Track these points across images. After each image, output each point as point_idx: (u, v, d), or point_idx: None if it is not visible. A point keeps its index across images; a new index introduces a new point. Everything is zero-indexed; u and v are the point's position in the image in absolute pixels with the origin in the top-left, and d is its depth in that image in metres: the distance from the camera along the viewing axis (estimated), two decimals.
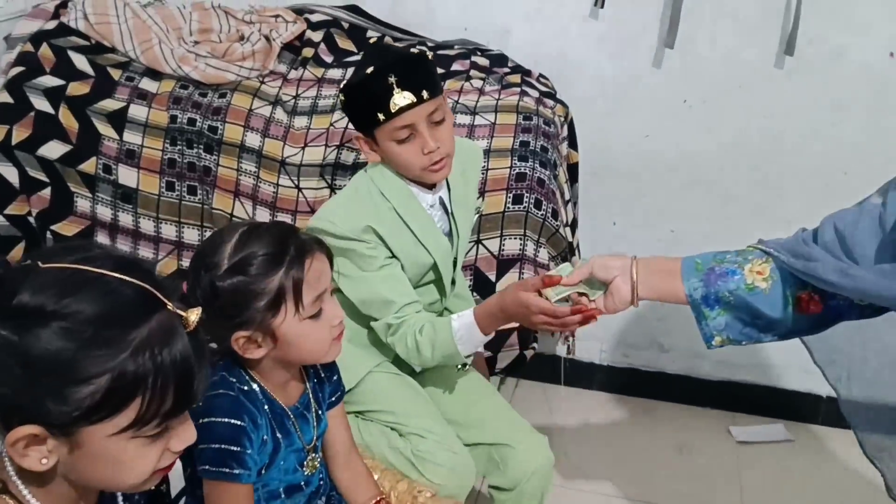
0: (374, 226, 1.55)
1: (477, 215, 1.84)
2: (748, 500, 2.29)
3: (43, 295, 0.78)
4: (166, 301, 0.83)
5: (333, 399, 1.39)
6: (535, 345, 2.02)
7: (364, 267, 1.56)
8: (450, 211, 1.69)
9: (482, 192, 1.98)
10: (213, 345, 1.22)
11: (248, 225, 1.22)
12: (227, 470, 1.17)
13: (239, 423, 1.18)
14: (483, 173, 1.94)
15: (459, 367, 1.68)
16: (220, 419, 1.18)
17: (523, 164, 2.04)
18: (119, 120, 2.16)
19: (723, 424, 2.60)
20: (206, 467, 1.18)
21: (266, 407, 1.24)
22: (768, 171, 2.39)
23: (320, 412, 1.34)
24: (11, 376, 0.77)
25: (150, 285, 0.82)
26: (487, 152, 2.05)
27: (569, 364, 2.67)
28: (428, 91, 1.51)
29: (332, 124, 2.11)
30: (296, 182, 2.08)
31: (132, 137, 2.16)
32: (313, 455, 1.31)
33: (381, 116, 1.50)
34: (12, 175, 2.18)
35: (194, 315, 0.83)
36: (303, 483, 1.31)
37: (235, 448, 1.17)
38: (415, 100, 1.50)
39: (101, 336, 0.78)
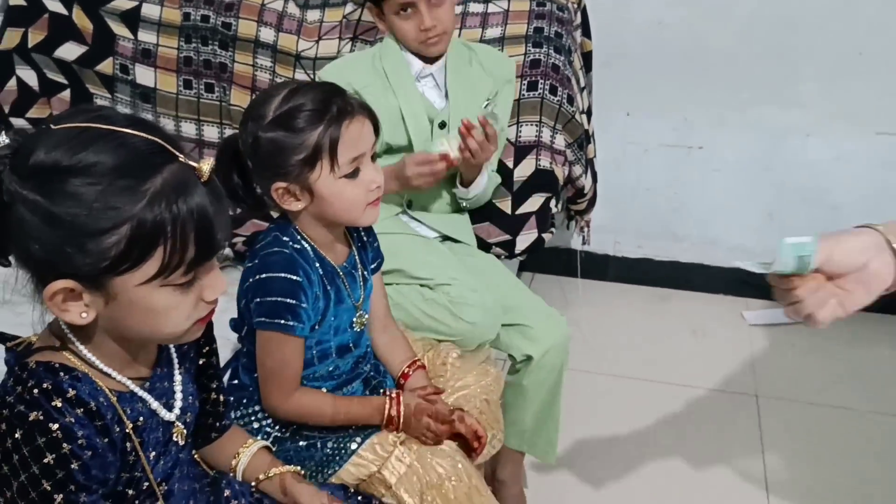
0: (354, 84, 1.67)
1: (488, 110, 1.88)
2: (761, 380, 2.37)
3: (57, 152, 0.81)
4: (177, 153, 0.85)
5: (374, 265, 1.44)
6: (553, 229, 2.06)
7: None
8: (444, 89, 1.79)
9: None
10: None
11: (298, 83, 1.26)
12: (283, 321, 1.24)
13: (295, 277, 1.24)
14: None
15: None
16: (276, 274, 1.23)
17: (537, 50, 2.04)
18: (132, 19, 2.16)
19: (736, 309, 2.66)
20: (263, 319, 1.25)
21: (318, 264, 1.29)
22: (783, 53, 2.38)
23: (366, 273, 1.39)
24: (39, 234, 0.81)
25: (160, 139, 0.85)
26: (502, 39, 2.05)
27: (584, 256, 2.73)
28: None
29: (344, 17, 2.10)
30: (312, 76, 2.09)
31: (147, 36, 2.17)
32: (361, 312, 1.37)
33: None
34: (31, 78, 2.20)
35: (207, 165, 0.86)
36: (352, 344, 1.37)
37: (292, 301, 1.23)
38: None
39: (116, 186, 0.81)
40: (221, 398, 1.15)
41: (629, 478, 2.02)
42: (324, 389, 1.35)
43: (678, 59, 2.45)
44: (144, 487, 0.97)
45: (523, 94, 2.03)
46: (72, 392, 0.87)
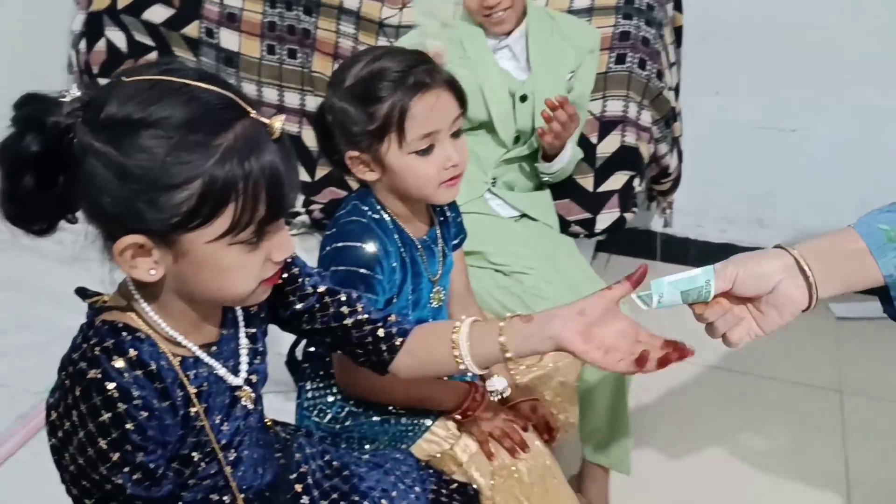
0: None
1: (569, 93, 1.82)
2: (846, 374, 2.26)
3: (130, 104, 0.79)
4: (249, 108, 0.83)
5: (457, 241, 1.40)
6: (635, 209, 1.99)
7: None
8: (525, 61, 1.74)
9: None
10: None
11: (385, 49, 1.23)
12: (356, 293, 1.21)
13: (370, 247, 1.21)
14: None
15: None
16: (352, 243, 1.21)
17: (627, 22, 1.97)
18: None
19: (823, 301, 2.54)
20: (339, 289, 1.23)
21: (396, 236, 1.26)
22: (889, 33, 2.25)
23: (446, 249, 1.36)
24: (110, 187, 0.80)
25: (232, 94, 0.83)
26: (590, 10, 1.99)
27: (664, 238, 2.65)
28: None
29: None
30: (394, 43, 2.06)
31: (233, 1, 2.17)
32: (439, 288, 1.34)
33: None
34: (120, 40, 2.23)
35: (278, 122, 0.83)
36: (430, 319, 1.34)
37: (366, 271, 1.20)
38: None
39: (188, 141, 0.79)
40: (369, 315, 1.07)
41: (702, 468, 1.96)
42: None
43: (774, 36, 2.33)
44: (209, 450, 0.96)
45: (610, 67, 1.96)
46: (133, 352, 0.86)
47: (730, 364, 2.28)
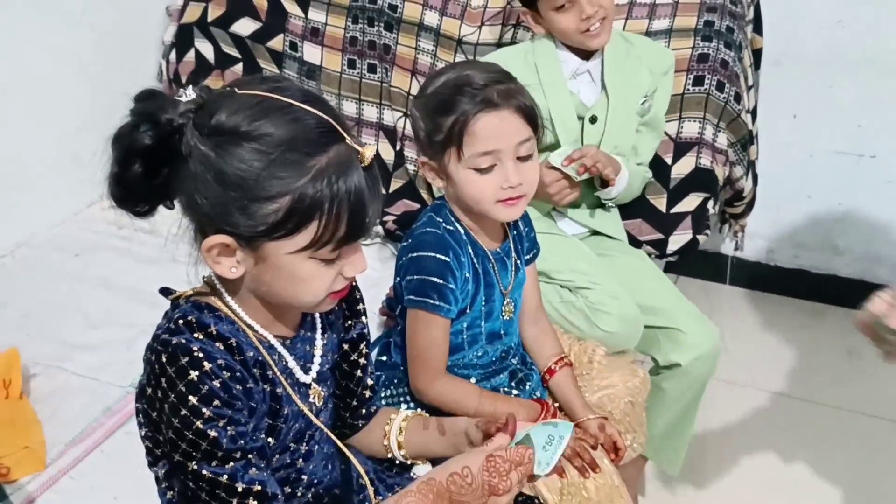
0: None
1: (643, 116, 1.82)
2: None
3: (238, 116, 0.85)
4: (346, 134, 0.88)
5: (529, 256, 1.42)
6: (707, 231, 1.99)
7: None
8: (602, 82, 1.75)
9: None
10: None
11: (472, 65, 1.27)
12: (430, 300, 1.25)
13: (444, 257, 1.25)
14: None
15: None
16: (426, 253, 1.25)
17: (707, 44, 1.97)
18: None
19: None
20: (411, 297, 1.27)
21: (469, 248, 1.30)
22: None
23: (519, 262, 1.38)
24: (208, 189, 0.86)
25: (332, 119, 0.88)
26: (668, 32, 1.99)
27: (735, 262, 2.62)
28: None
29: (509, 3, 2.10)
30: (489, 56, 2.09)
31: (317, 15, 2.24)
32: (510, 300, 1.36)
33: None
34: (208, 51, 2.32)
35: (370, 151, 0.88)
36: (502, 332, 1.37)
37: (439, 280, 1.24)
38: None
39: (285, 158, 0.85)
40: (370, 381, 1.15)
41: (756, 501, 1.92)
42: (472, 380, 1.35)
43: (856, 61, 2.30)
44: (282, 438, 1.00)
45: (688, 89, 1.96)
46: (213, 327, 0.91)
47: (795, 391, 2.25)
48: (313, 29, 2.25)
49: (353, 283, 1.10)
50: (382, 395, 1.38)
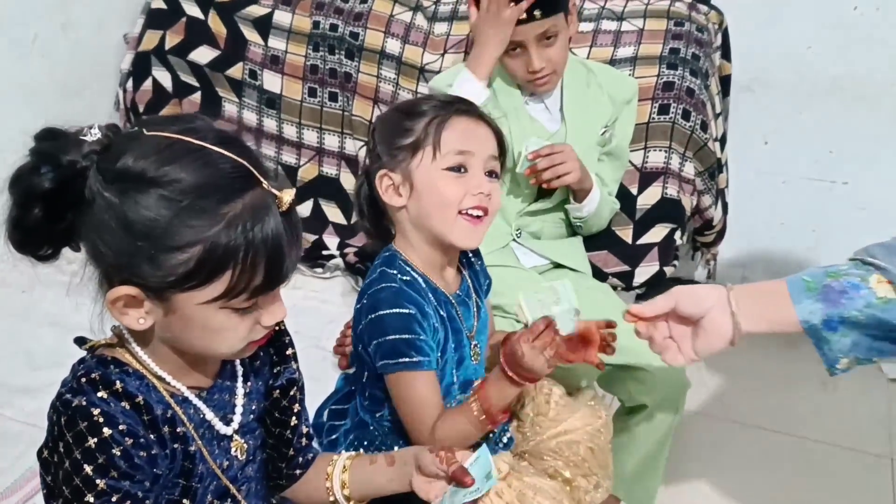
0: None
1: (604, 146, 1.79)
2: None
3: (145, 160, 0.80)
4: (262, 178, 0.83)
5: (485, 288, 1.37)
6: (675, 262, 1.94)
7: None
8: (559, 112, 1.72)
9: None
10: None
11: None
12: (407, 359, 1.16)
13: (406, 311, 1.17)
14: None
15: None
16: (386, 311, 1.17)
17: (672, 72, 1.93)
18: (264, 25, 2.19)
19: (750, 335, 2.42)
20: (386, 362, 1.18)
21: (431, 296, 1.23)
22: None
23: (480, 302, 1.32)
24: (113, 237, 0.81)
25: (247, 162, 0.83)
26: (633, 59, 1.95)
27: None
28: (542, 10, 1.56)
29: (471, 31, 2.06)
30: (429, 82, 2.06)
31: (277, 43, 2.19)
32: (475, 342, 1.29)
33: None
34: (166, 79, 2.27)
35: (288, 196, 0.83)
36: (475, 378, 1.29)
37: (408, 336, 1.16)
38: (525, 17, 1.56)
39: (196, 206, 0.80)
40: (304, 428, 1.09)
41: None
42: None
43: (827, 86, 2.27)
44: (199, 498, 0.95)
45: (653, 118, 1.92)
46: (119, 384, 0.87)
47: (770, 423, 2.19)
48: (273, 56, 2.20)
49: (282, 328, 1.05)
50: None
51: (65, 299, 1.93)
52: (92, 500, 0.83)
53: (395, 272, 1.22)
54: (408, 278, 1.22)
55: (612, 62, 1.95)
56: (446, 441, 1.16)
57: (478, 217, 1.20)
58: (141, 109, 2.28)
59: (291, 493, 1.12)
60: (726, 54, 2.14)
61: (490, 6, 1.59)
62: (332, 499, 1.09)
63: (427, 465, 1.01)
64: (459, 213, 1.19)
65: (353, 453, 1.13)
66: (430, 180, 1.18)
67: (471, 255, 1.35)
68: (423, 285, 1.23)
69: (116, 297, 0.83)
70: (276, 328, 1.03)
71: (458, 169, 1.18)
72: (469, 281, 1.32)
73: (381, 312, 1.17)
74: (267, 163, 0.89)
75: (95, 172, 0.81)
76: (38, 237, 0.84)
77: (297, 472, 1.10)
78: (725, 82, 2.15)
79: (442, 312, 1.23)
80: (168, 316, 0.85)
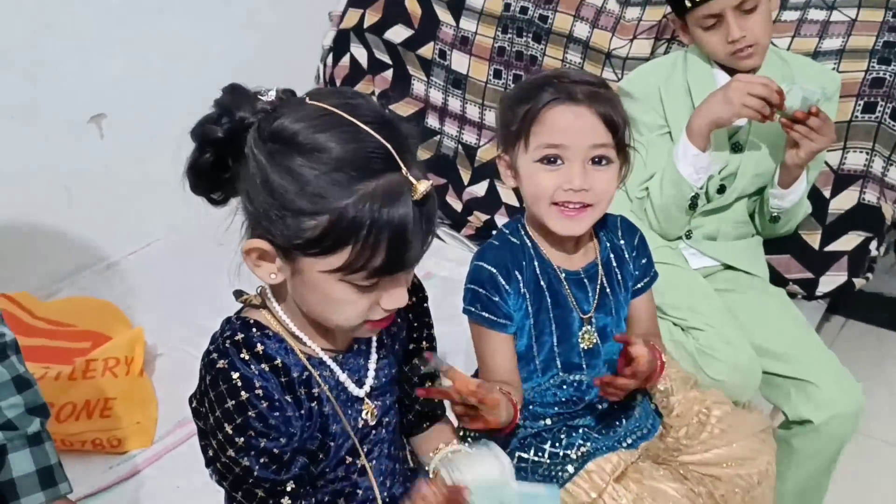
0: (662, 90, 1.61)
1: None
2: None
3: (298, 125, 0.84)
4: (402, 164, 0.84)
5: (640, 286, 1.29)
6: (868, 274, 1.77)
7: (639, 130, 1.59)
8: None
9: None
10: None
11: (575, 69, 1.25)
12: (476, 311, 1.19)
13: (492, 269, 1.18)
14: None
15: (690, 205, 1.56)
16: (479, 263, 1.20)
17: (884, 67, 1.76)
18: (458, 6, 2.24)
19: None
20: (465, 305, 1.22)
21: (535, 262, 1.21)
22: None
23: (614, 289, 1.26)
24: (255, 193, 0.86)
25: (392, 146, 0.84)
26: (839, 52, 1.80)
27: None
28: None
29: (665, 16, 1.98)
30: (619, 75, 2.01)
31: (468, 24, 2.23)
32: (589, 328, 1.23)
33: (687, 3, 1.52)
34: (362, 56, 2.38)
35: (423, 186, 0.84)
36: (583, 364, 1.24)
37: (481, 290, 1.18)
38: None
39: (332, 177, 0.82)
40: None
41: None
42: (547, 421, 1.25)
43: None
44: (333, 453, 0.99)
45: (856, 116, 1.77)
46: (259, 347, 0.92)
47: None
48: (463, 38, 2.24)
49: (422, 294, 1.09)
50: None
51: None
52: (233, 454, 0.90)
53: (507, 231, 1.24)
54: (516, 241, 1.22)
55: (816, 54, 1.81)
56: None
57: (573, 210, 1.16)
58: (338, 84, 2.41)
59: (413, 441, 1.17)
60: None
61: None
62: (427, 468, 1.12)
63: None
64: (554, 203, 1.16)
65: (458, 447, 1.11)
66: (526, 170, 1.16)
67: (635, 241, 1.28)
68: (531, 252, 1.22)
69: (251, 247, 0.88)
70: (416, 297, 1.06)
71: (552, 160, 1.14)
72: (601, 265, 1.25)
73: (476, 262, 1.21)
74: (416, 152, 0.90)
75: (255, 130, 0.87)
76: (207, 181, 0.91)
77: (425, 424, 1.15)
78: None
79: (543, 283, 1.21)
80: (295, 276, 0.89)
